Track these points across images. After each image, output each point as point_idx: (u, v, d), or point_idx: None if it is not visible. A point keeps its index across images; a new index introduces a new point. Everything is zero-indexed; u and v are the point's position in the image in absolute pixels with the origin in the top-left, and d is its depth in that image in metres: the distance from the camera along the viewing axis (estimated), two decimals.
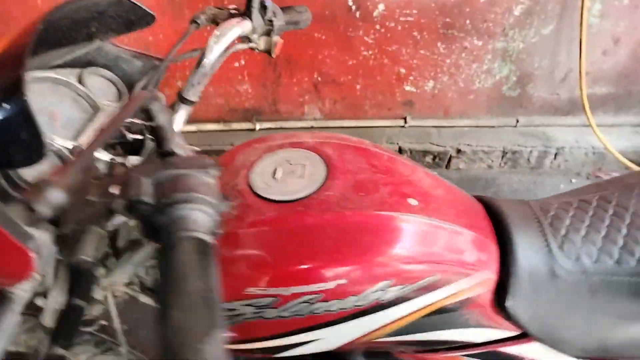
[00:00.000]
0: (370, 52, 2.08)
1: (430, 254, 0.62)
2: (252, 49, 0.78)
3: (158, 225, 0.41)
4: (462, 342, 0.70)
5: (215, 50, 0.69)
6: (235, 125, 2.32)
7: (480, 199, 0.78)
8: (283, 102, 2.29)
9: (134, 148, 0.65)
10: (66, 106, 0.64)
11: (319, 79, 2.18)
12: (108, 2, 0.65)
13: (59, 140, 0.58)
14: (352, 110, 2.31)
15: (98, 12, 0.66)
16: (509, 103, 2.29)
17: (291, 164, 0.68)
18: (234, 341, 0.64)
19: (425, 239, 0.63)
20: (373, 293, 0.59)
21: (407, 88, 2.21)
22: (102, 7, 0.65)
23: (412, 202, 0.65)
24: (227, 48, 0.72)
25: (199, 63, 0.70)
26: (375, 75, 2.16)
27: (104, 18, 0.68)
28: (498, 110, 2.31)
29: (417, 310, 0.64)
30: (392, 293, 0.60)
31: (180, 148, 0.53)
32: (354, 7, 1.93)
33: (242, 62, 2.13)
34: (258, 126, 2.31)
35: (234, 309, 0.60)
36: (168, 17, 1.99)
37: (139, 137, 0.60)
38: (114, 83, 0.73)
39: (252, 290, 0.58)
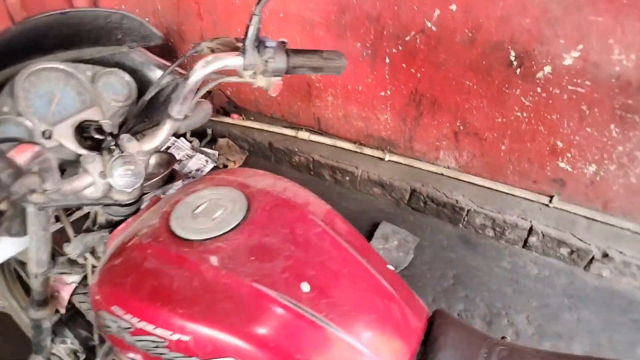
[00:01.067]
0: (524, 115, 1.84)
1: (299, 352, 0.55)
2: (250, 83, 0.78)
3: None
4: None
5: (197, 74, 0.71)
6: (367, 151, 2.32)
7: (439, 315, 0.67)
8: (419, 141, 2.19)
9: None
10: (68, 95, 0.76)
11: (461, 127, 2.02)
12: (121, 16, 0.75)
13: (36, 120, 0.70)
14: (490, 170, 2.08)
15: (113, 22, 0.78)
16: None
17: (218, 203, 0.69)
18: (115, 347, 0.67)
19: (299, 334, 0.56)
20: None
21: (562, 165, 1.88)
22: (116, 19, 0.76)
23: (305, 287, 0.58)
24: (215, 76, 0.74)
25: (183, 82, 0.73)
26: (525, 140, 1.90)
27: (121, 29, 0.80)
28: None
29: None
30: None
31: None
32: (515, 63, 1.73)
33: (388, 92, 2.11)
34: (387, 157, 2.27)
35: (105, 318, 0.62)
36: (332, 35, 2.08)
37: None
38: (129, 85, 0.83)
39: (115, 309, 0.60)
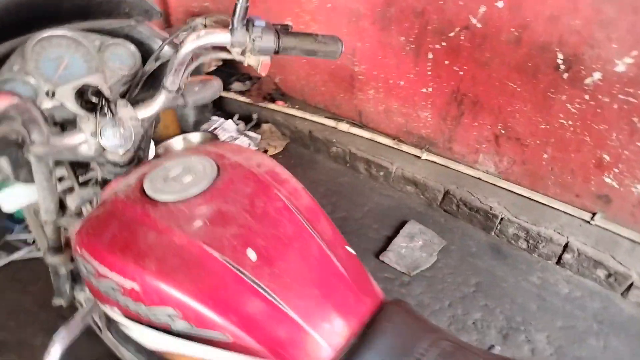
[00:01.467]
0: (569, 123, 1.72)
1: (232, 313, 0.57)
2: (240, 60, 0.80)
3: None
4: None
5: (186, 47, 0.74)
6: (405, 148, 2.28)
7: (394, 303, 0.66)
8: (458, 142, 2.12)
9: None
10: (75, 61, 0.83)
11: (503, 131, 1.93)
12: None
13: (42, 80, 0.78)
14: (530, 179, 1.98)
15: None
16: None
17: (190, 170, 0.72)
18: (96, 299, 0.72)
19: (235, 296, 0.58)
20: (162, 315, 0.59)
21: (607, 180, 1.75)
22: None
23: (251, 255, 0.60)
24: (203, 50, 0.77)
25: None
26: (569, 150, 1.78)
27: (127, 3, 0.87)
28: None
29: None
30: (181, 326, 0.59)
31: None
32: (562, 67, 1.62)
33: (430, 89, 2.05)
34: (425, 156, 2.22)
35: (80, 262, 0.68)
36: (377, 28, 2.07)
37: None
38: (134, 56, 0.89)
39: (85, 254, 0.65)
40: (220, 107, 2.91)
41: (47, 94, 0.78)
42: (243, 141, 2.60)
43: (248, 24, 0.75)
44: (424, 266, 1.87)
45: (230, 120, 2.74)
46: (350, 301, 0.65)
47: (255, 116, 2.73)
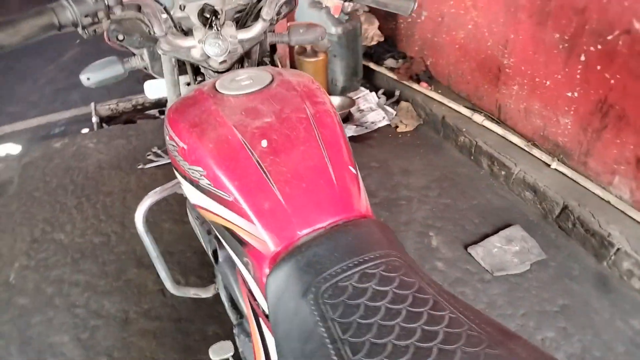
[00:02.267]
0: None
1: (237, 180, 0.74)
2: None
3: None
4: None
5: None
6: (536, 152, 2.16)
7: (372, 223, 0.75)
8: (595, 157, 1.93)
9: None
10: None
11: None
12: None
13: None
14: None
15: None
16: None
17: (251, 78, 0.89)
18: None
19: (242, 169, 0.74)
20: (196, 172, 0.79)
21: None
22: None
23: (264, 143, 0.75)
24: None
25: None
26: None
27: None
28: None
29: (219, 216, 0.78)
30: (204, 183, 0.78)
31: None
32: None
33: (575, 94, 1.90)
34: (555, 165, 2.07)
35: (167, 139, 0.88)
36: (533, 21, 1.98)
37: None
38: None
39: (165, 125, 0.87)
40: (370, 80, 3.08)
41: (180, 7, 1.02)
42: (379, 114, 2.74)
43: None
44: (511, 271, 1.80)
45: (374, 93, 2.89)
46: (329, 202, 0.74)
47: (397, 93, 2.83)
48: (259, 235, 0.73)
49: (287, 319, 0.65)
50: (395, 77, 2.83)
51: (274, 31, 1.16)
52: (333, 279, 0.65)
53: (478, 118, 2.39)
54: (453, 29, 2.49)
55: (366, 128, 2.65)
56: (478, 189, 2.22)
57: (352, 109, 2.75)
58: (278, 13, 1.10)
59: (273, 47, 1.21)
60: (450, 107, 2.52)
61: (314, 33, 1.12)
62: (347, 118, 2.61)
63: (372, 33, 3.00)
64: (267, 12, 0.98)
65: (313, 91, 0.90)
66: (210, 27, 0.97)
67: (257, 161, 0.75)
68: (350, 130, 2.61)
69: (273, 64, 1.21)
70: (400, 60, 2.91)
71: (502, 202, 2.14)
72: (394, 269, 0.67)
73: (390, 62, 2.93)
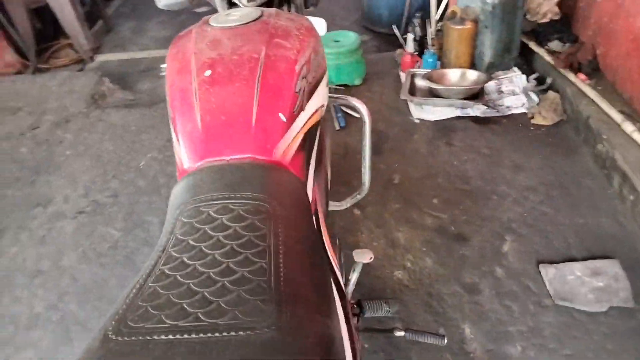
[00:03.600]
0: None
1: (174, 99, 0.84)
2: None
3: None
4: None
5: None
6: None
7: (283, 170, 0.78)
8: None
9: None
10: None
11: None
12: None
13: None
14: None
15: None
16: None
17: (242, 15, 0.96)
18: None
19: (180, 92, 0.83)
20: (165, 90, 0.92)
21: None
22: None
23: (207, 73, 0.83)
24: None
25: None
26: None
27: None
28: None
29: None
30: (167, 100, 0.90)
31: None
32: None
33: None
34: None
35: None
36: None
37: None
38: None
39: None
40: (527, 61, 2.74)
41: None
42: (520, 99, 2.45)
43: None
44: (579, 306, 1.53)
45: (524, 77, 2.57)
46: (239, 139, 0.78)
47: (549, 81, 2.47)
48: (178, 154, 0.82)
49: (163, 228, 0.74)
50: (552, 62, 2.46)
51: None
52: (198, 203, 0.71)
53: (628, 127, 1.96)
54: (632, 14, 2.03)
55: (497, 112, 2.41)
56: (595, 208, 1.87)
57: (491, 89, 2.52)
58: None
59: None
60: (599, 108, 2.11)
61: (319, 23, 1.11)
62: (476, 95, 2.40)
63: (546, 9, 2.62)
64: None
65: (289, 37, 0.92)
66: None
67: (195, 87, 0.83)
68: (477, 110, 2.41)
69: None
70: (567, 45, 2.51)
71: (616, 230, 1.77)
72: (255, 212, 0.70)
73: (555, 44, 2.54)
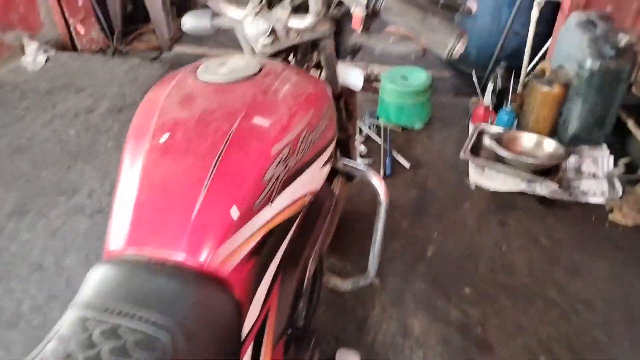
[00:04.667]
0: None
1: (123, 162, 0.72)
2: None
3: None
4: None
5: None
6: None
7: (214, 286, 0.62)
8: None
9: None
10: None
11: None
12: None
13: None
14: None
15: None
16: None
17: (236, 66, 0.80)
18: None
19: (131, 154, 0.70)
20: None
21: None
22: None
23: (164, 137, 0.68)
24: None
25: None
26: None
27: None
28: None
29: None
30: None
31: None
32: None
33: None
34: None
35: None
36: None
37: None
38: None
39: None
40: (620, 141, 2.33)
41: None
42: (600, 185, 2.09)
43: None
44: None
45: (612, 159, 2.19)
46: (170, 234, 0.63)
47: None
48: (108, 229, 0.67)
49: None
50: None
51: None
52: (91, 311, 0.57)
53: None
54: None
55: (569, 195, 2.06)
56: None
57: (569, 166, 2.17)
58: (346, 13, 0.91)
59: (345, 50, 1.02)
60: None
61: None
62: (548, 171, 2.07)
63: None
64: (316, 2, 0.82)
65: (280, 105, 0.74)
66: (262, 3, 0.88)
67: (144, 153, 0.68)
68: (546, 188, 2.07)
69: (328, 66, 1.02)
70: None
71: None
72: (146, 346, 0.54)
73: None
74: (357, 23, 0.74)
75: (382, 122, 2.54)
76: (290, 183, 0.73)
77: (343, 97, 1.15)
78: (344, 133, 1.29)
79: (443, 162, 2.31)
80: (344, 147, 1.34)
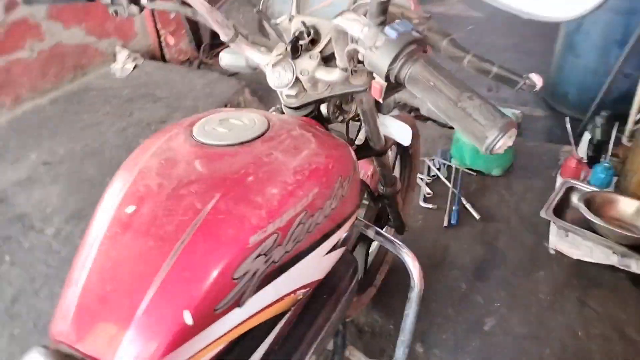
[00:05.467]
0: None
1: (86, 233, 0.62)
2: None
3: None
4: None
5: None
6: None
7: None
8: None
9: None
10: (338, 8, 0.80)
11: None
12: None
13: (294, 6, 0.82)
14: None
15: None
16: None
17: (237, 123, 0.69)
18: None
19: (95, 225, 0.61)
20: None
21: None
22: None
23: (129, 208, 0.58)
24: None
25: None
26: None
27: None
28: None
29: None
30: None
31: None
32: None
33: None
34: None
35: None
36: None
37: None
38: None
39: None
40: None
41: (289, 18, 0.82)
42: None
43: (384, 24, 0.54)
44: None
45: None
46: (110, 335, 0.51)
47: None
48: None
49: None
50: None
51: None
52: None
53: None
54: None
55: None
56: None
57: None
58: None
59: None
60: None
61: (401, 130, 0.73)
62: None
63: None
64: (341, 59, 0.68)
65: (276, 178, 0.60)
66: (287, 50, 0.76)
67: (108, 223, 0.57)
68: None
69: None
70: None
71: None
72: None
73: None
74: (377, 93, 0.59)
75: (454, 163, 2.31)
76: (273, 279, 0.59)
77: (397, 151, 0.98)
78: (392, 188, 1.12)
79: (519, 218, 2.03)
80: (391, 203, 1.17)
